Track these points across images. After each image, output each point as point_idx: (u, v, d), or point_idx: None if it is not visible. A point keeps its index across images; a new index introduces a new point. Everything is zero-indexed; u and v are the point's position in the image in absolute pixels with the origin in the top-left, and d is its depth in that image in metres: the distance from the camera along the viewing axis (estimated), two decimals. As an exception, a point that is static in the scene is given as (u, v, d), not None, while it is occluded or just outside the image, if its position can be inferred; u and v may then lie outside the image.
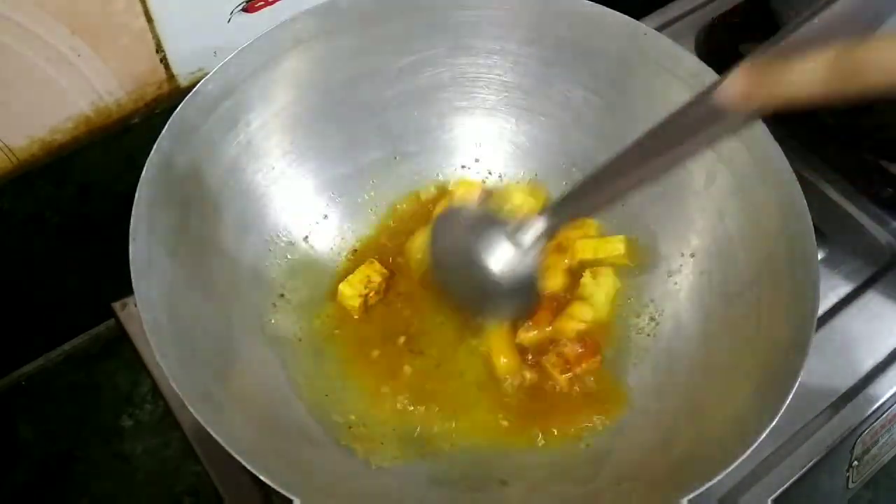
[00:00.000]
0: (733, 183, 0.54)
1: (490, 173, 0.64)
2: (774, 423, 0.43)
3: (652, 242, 0.59)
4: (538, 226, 0.49)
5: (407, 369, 0.55)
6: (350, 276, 0.57)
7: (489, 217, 0.53)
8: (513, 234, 0.50)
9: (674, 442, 0.49)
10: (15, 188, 0.59)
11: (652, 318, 0.57)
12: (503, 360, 0.55)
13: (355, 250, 0.60)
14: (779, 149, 0.52)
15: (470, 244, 0.52)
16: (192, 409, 0.42)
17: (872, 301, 0.62)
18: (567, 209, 0.49)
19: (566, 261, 0.59)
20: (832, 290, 0.62)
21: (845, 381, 0.58)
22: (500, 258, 0.51)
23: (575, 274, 0.59)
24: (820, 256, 0.54)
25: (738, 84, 0.36)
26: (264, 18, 0.61)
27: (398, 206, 0.62)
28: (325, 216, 0.61)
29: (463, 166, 0.64)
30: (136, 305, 0.44)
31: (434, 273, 0.56)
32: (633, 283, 0.59)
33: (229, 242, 0.54)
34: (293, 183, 0.59)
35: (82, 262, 0.67)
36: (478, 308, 0.56)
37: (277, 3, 0.61)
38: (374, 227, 0.62)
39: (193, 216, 0.52)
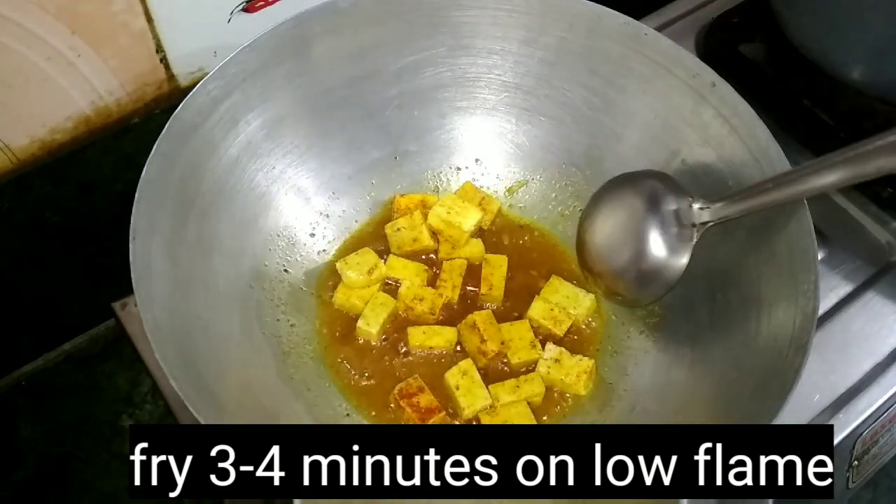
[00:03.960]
0: (733, 183, 0.54)
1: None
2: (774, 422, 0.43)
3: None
4: (706, 215, 0.52)
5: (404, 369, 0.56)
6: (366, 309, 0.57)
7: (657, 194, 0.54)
8: (676, 220, 0.52)
9: (674, 442, 0.49)
10: (15, 188, 0.59)
11: (652, 319, 0.57)
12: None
13: (356, 249, 0.60)
14: (779, 149, 0.52)
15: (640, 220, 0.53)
16: (192, 409, 0.42)
17: (872, 301, 0.62)
18: (740, 205, 0.50)
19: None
20: (832, 290, 0.62)
21: (845, 381, 0.58)
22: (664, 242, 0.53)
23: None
24: (820, 256, 0.54)
25: None
26: (264, 18, 0.61)
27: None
28: (326, 215, 0.61)
29: (464, 167, 0.64)
30: (136, 305, 0.44)
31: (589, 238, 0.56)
32: (633, 283, 0.59)
33: (229, 242, 0.54)
34: (293, 182, 0.59)
35: (82, 262, 0.67)
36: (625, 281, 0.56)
37: (277, 2, 0.61)
38: (375, 227, 0.62)
39: (193, 216, 0.52)
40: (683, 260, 0.52)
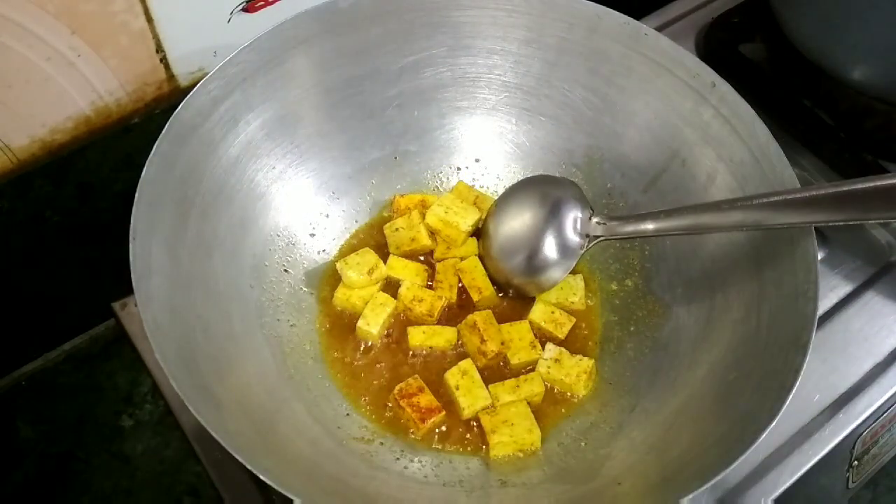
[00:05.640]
0: (733, 183, 0.54)
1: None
2: (774, 422, 0.43)
3: (652, 243, 0.59)
4: (600, 230, 0.56)
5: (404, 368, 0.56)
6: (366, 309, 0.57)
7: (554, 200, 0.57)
8: (573, 227, 0.56)
9: (673, 442, 0.49)
10: (15, 188, 0.59)
11: (652, 319, 0.57)
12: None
13: (355, 249, 0.60)
14: (779, 149, 0.52)
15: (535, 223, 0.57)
16: (192, 409, 0.42)
17: (872, 301, 0.62)
18: (633, 226, 0.54)
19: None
20: (832, 290, 0.62)
21: (845, 381, 0.58)
22: (555, 245, 0.56)
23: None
24: (820, 256, 0.54)
25: None
26: (264, 18, 0.61)
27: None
28: (326, 215, 0.61)
29: (464, 167, 0.64)
30: (136, 305, 0.44)
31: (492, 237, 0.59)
32: (634, 282, 0.59)
33: (229, 242, 0.54)
34: (293, 182, 0.59)
35: (82, 262, 0.67)
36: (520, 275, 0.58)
37: (277, 2, 0.61)
38: (374, 227, 0.62)
39: (193, 216, 0.52)
40: (570, 263, 0.57)
